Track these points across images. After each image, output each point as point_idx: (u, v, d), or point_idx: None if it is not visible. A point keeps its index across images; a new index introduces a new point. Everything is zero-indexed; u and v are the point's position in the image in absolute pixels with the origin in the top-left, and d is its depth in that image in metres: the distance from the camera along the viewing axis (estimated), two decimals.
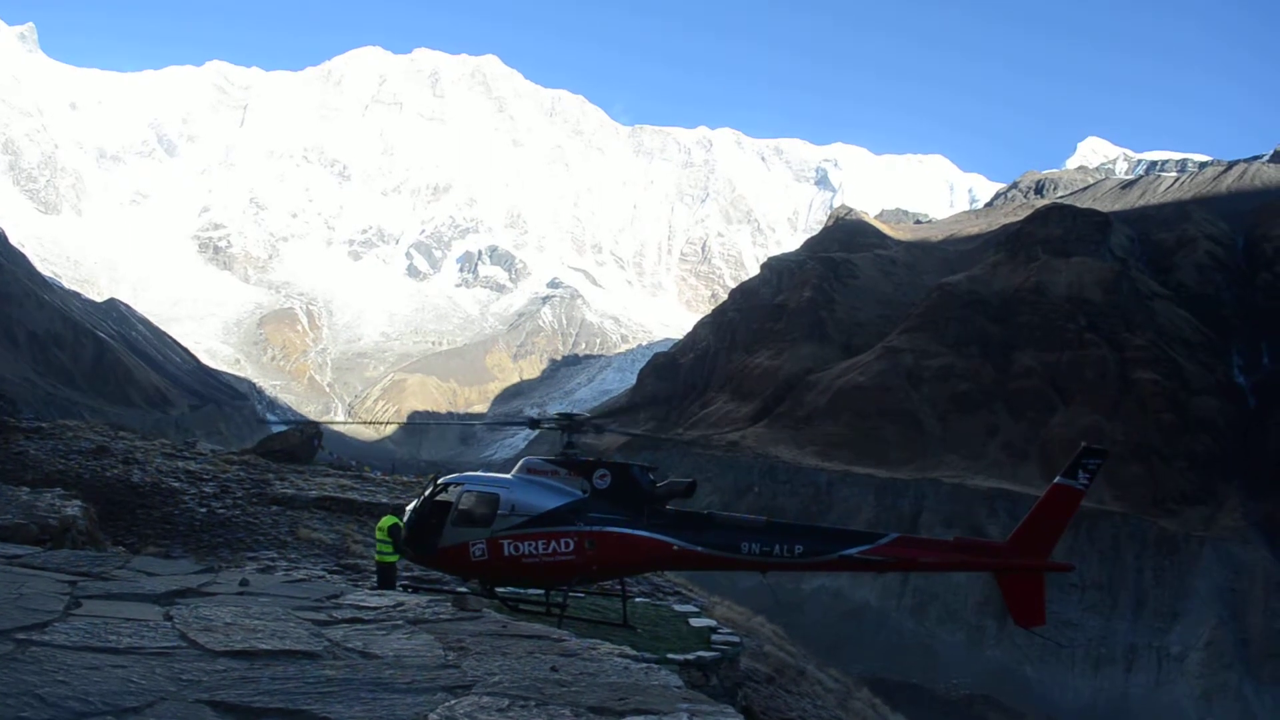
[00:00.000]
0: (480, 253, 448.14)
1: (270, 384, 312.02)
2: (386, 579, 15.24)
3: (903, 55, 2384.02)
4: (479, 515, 15.11)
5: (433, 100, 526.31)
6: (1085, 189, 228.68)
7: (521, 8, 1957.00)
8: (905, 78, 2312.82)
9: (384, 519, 15.45)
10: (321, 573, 18.62)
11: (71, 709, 4.16)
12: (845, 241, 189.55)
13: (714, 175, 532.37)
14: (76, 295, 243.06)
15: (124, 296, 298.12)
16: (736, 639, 17.23)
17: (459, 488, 15.70)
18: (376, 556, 15.28)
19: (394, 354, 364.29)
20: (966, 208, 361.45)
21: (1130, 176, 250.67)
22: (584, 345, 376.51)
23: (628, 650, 6.96)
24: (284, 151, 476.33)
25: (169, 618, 6.17)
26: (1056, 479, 14.29)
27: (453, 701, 4.83)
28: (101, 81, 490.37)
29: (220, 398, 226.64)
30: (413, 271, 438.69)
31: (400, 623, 6.91)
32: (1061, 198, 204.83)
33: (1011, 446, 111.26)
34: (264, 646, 5.62)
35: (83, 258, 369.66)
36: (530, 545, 14.73)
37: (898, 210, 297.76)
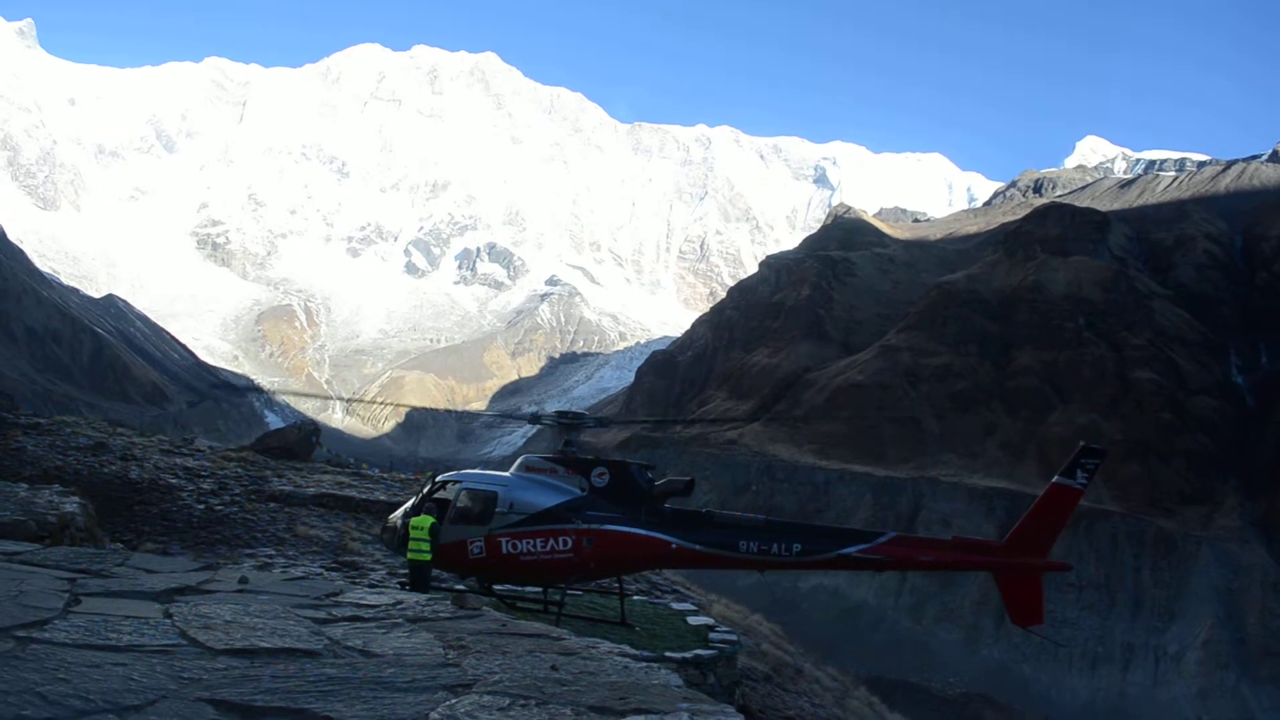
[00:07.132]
0: (479, 250, 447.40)
1: (268, 380, 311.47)
2: (420, 578, 14.68)
3: (901, 54, 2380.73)
4: (477, 513, 15.09)
5: (431, 97, 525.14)
6: (1084, 188, 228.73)
7: (520, 5, 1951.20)
8: (904, 76, 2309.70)
9: (423, 518, 14.76)
10: (319, 570, 18.64)
11: (72, 707, 4.16)
12: (844, 240, 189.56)
13: (712, 173, 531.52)
14: (75, 291, 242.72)
15: (122, 293, 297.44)
16: (734, 637, 17.23)
17: (457, 485, 15.68)
18: (410, 555, 14.74)
19: (392, 351, 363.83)
20: (965, 206, 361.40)
21: (1129, 176, 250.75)
22: (582, 343, 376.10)
23: (627, 649, 6.97)
24: (282, 148, 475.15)
25: (169, 615, 6.18)
26: (1055, 478, 14.28)
27: (453, 700, 4.83)
28: (100, 77, 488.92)
29: (218, 394, 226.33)
30: (411, 268, 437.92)
31: (400, 621, 6.91)
32: (1060, 197, 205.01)
33: (1009, 445, 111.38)
34: (264, 644, 5.63)
35: (81, 254, 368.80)
36: (528, 543, 14.70)
37: (896, 209, 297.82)
